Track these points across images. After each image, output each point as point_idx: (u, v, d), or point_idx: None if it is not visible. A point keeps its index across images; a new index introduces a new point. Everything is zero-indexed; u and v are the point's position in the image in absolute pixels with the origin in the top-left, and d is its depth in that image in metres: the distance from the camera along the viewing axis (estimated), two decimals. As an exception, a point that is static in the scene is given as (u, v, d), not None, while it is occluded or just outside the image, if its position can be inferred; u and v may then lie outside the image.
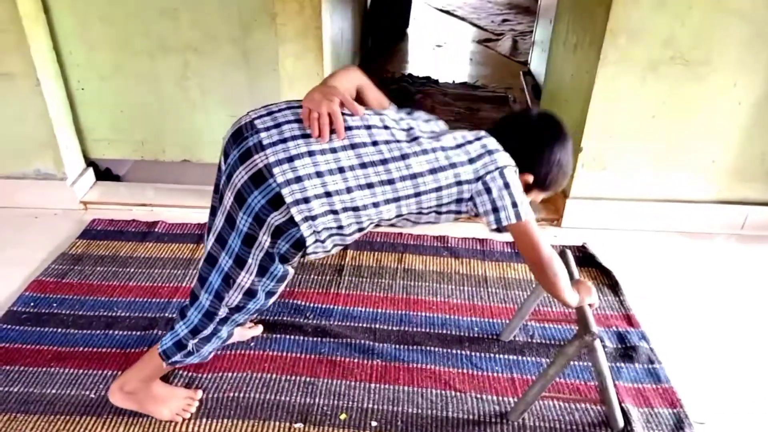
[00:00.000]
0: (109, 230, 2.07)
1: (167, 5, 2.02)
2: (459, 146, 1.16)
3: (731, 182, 2.16)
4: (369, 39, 4.42)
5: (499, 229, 1.15)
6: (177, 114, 2.25)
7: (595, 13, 1.96)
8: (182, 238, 2.04)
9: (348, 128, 1.11)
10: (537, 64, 3.56)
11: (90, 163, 2.37)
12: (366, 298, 1.79)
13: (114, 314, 1.68)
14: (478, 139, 1.18)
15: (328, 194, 1.08)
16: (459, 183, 1.14)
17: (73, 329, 1.62)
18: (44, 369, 1.50)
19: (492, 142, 1.18)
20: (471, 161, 1.14)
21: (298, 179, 1.06)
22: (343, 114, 1.12)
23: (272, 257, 1.15)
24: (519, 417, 1.37)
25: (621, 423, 1.34)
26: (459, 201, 1.16)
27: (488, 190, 1.13)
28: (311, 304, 1.75)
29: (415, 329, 1.67)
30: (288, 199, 1.06)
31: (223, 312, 1.23)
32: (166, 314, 1.68)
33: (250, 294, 1.20)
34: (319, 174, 1.07)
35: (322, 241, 1.13)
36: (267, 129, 1.10)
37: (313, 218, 1.08)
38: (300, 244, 1.13)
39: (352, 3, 3.48)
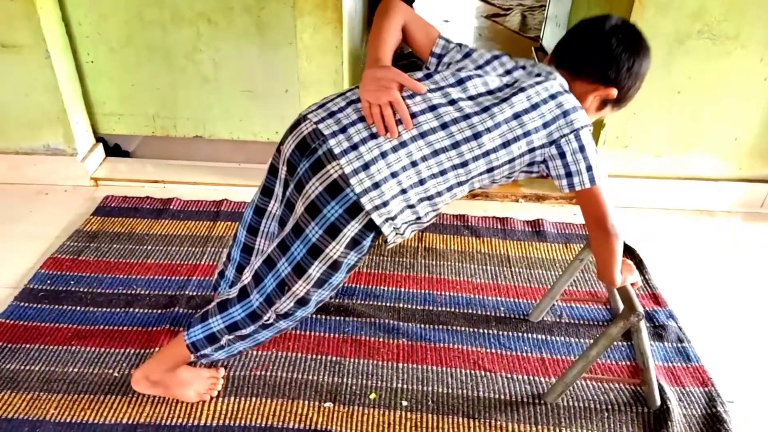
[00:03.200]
0: (124, 207, 2.02)
1: (181, -26, 1.96)
2: (534, 107, 1.07)
3: (752, 160, 2.13)
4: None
5: (571, 191, 1.11)
6: (189, 88, 2.19)
7: (623, -15, 1.90)
8: (198, 215, 2.00)
9: (413, 115, 1.05)
10: (550, 39, 3.49)
11: (98, 138, 2.31)
12: (388, 277, 1.76)
13: (134, 292, 1.65)
14: (553, 96, 1.09)
15: (403, 191, 1.05)
16: (531, 150, 1.09)
17: (92, 307, 1.59)
18: (65, 347, 1.47)
19: (568, 99, 1.10)
20: (545, 125, 1.07)
21: (376, 185, 1.02)
22: (404, 98, 1.06)
23: (336, 267, 1.10)
24: (557, 398, 1.35)
25: (658, 402, 1.33)
26: (531, 164, 1.11)
27: (562, 155, 1.08)
28: (332, 283, 1.73)
29: (439, 309, 1.65)
30: (368, 206, 1.03)
31: (268, 317, 1.18)
32: (186, 292, 1.65)
33: (302, 303, 1.15)
34: (394, 174, 1.03)
35: (402, 234, 1.10)
36: (334, 135, 1.04)
37: (393, 218, 1.05)
38: (371, 248, 1.12)
39: (362, -25, 3.39)
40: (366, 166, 1.02)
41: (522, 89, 1.09)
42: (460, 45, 1.19)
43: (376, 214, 1.03)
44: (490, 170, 1.09)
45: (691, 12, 1.83)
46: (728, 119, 2.04)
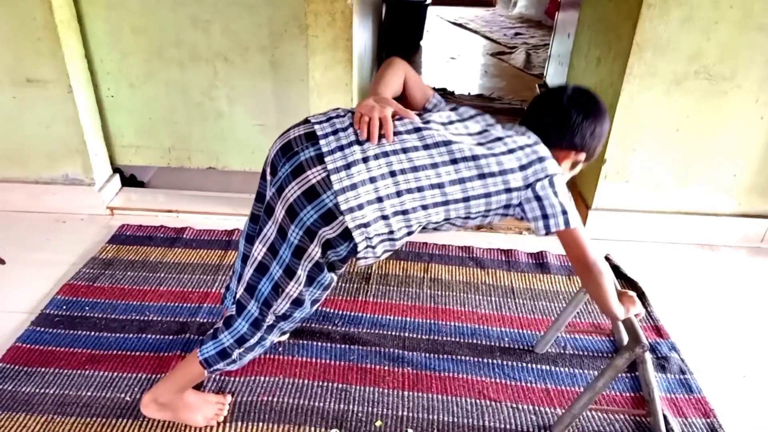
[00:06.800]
0: (138, 236, 2.08)
1: (200, 16, 2.06)
2: (510, 151, 1.16)
3: (751, 196, 2.18)
4: (384, 51, 4.46)
5: (547, 234, 1.17)
6: (204, 122, 2.27)
7: (622, 28, 1.98)
8: (210, 244, 2.06)
9: (398, 133, 1.14)
10: (554, 76, 3.59)
11: (115, 169, 2.39)
12: (394, 307, 1.80)
13: (146, 318, 1.70)
14: (529, 145, 1.18)
15: (379, 199, 1.11)
16: (508, 190, 1.16)
17: (106, 332, 1.64)
18: (79, 371, 1.51)
19: (542, 149, 1.19)
20: (522, 168, 1.16)
21: (353, 186, 1.09)
22: (394, 122, 1.15)
23: (321, 267, 1.19)
24: (564, 430, 1.37)
25: (663, 432, 1.35)
26: (507, 206, 1.18)
27: (537, 197, 1.15)
28: (339, 312, 1.76)
29: (444, 338, 1.68)
30: (343, 207, 1.09)
31: (270, 319, 1.25)
32: (197, 319, 1.70)
33: (297, 303, 1.23)
34: (372, 180, 1.10)
35: (373, 247, 1.15)
36: (325, 136, 1.13)
37: (366, 225, 1.11)
38: (347, 257, 1.17)
39: (372, 15, 3.52)
40: (348, 166, 1.10)
41: (499, 138, 1.19)
42: (449, 102, 1.32)
43: (349, 217, 1.09)
44: (466, 200, 1.15)
45: (687, 54, 1.91)
46: (726, 156, 2.09)
